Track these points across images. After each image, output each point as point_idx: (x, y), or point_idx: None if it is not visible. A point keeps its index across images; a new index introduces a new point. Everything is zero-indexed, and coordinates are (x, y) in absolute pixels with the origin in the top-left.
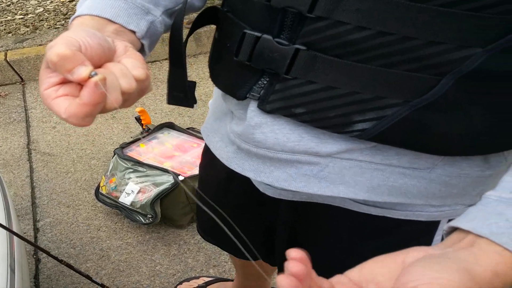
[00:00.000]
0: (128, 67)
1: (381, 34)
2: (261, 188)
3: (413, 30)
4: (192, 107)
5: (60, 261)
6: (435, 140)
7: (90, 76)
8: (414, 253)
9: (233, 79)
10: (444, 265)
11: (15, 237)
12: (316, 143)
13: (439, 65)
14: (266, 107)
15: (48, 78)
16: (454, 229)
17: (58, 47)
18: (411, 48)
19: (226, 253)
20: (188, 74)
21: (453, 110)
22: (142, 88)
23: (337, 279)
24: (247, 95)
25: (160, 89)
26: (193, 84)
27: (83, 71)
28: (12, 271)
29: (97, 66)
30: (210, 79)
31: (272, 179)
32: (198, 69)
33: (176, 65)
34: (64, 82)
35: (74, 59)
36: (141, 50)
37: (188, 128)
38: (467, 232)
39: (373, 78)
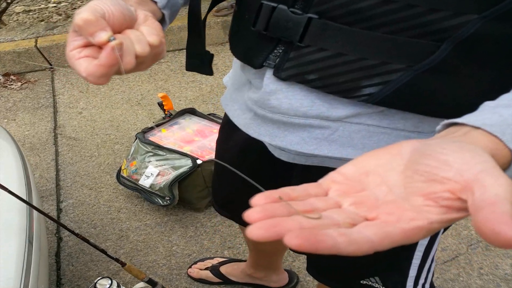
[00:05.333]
0: (144, 33)
1: (385, 3)
2: (276, 154)
3: None
4: (208, 74)
5: (77, 235)
6: (437, 103)
7: (109, 40)
8: (408, 143)
9: (250, 48)
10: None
11: (34, 212)
12: (327, 108)
13: (439, 31)
14: (281, 74)
15: (74, 41)
16: (446, 128)
17: (84, 13)
18: (413, 15)
19: (241, 235)
20: (215, 62)
21: (452, 74)
22: (156, 53)
23: (329, 177)
24: (264, 64)
25: (186, 77)
26: (210, 55)
27: (103, 35)
28: (30, 243)
29: (118, 31)
30: None
31: (286, 143)
32: (224, 58)
33: (194, 33)
34: (87, 45)
35: (96, 24)
36: (162, 19)
37: (209, 114)
38: (461, 125)
39: (379, 45)
